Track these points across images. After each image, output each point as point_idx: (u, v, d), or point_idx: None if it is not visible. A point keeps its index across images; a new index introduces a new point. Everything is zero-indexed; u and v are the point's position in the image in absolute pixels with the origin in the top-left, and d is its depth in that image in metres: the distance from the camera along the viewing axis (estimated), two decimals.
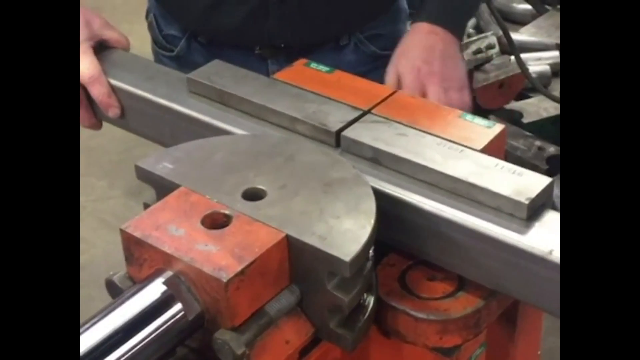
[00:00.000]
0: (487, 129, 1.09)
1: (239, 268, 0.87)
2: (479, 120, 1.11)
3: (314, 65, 1.24)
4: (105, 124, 1.35)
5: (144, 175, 1.01)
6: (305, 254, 0.90)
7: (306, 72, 1.23)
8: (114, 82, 1.27)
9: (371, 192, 0.97)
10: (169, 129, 1.22)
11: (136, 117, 1.28)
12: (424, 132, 1.08)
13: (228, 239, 0.90)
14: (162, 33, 1.61)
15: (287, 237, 0.91)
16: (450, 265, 1.02)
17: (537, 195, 0.97)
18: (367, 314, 0.96)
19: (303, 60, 1.26)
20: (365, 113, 1.12)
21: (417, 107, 1.15)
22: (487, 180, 0.99)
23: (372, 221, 0.92)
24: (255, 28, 1.49)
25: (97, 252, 3.07)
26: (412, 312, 1.00)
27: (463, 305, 1.01)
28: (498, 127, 1.10)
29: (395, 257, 1.07)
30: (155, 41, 1.64)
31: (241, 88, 1.17)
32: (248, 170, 1.00)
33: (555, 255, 0.92)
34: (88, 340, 0.85)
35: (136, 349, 0.86)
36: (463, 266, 1.01)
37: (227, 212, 0.94)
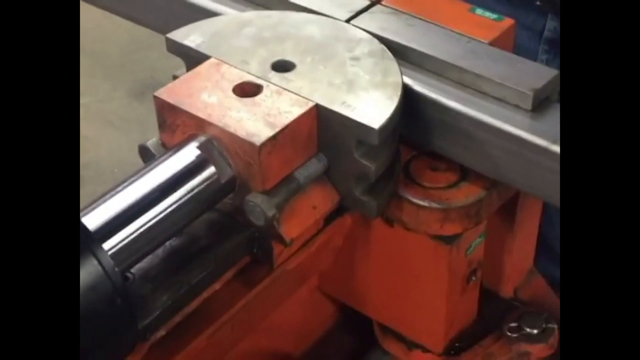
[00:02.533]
0: (497, 23, 1.09)
1: (272, 133, 0.90)
2: (489, 14, 1.10)
3: None
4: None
5: (175, 48, 1.02)
6: (334, 122, 0.93)
7: None
8: None
9: (397, 66, 0.99)
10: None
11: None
12: (433, 23, 1.08)
13: (260, 107, 0.93)
14: None
15: (317, 106, 0.93)
16: (454, 154, 1.03)
17: (542, 87, 0.97)
18: (391, 182, 0.99)
19: None
20: (374, 4, 1.11)
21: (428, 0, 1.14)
22: (493, 72, 0.99)
23: (399, 92, 0.95)
24: None
25: (102, 150, 3.10)
26: (415, 200, 1.02)
27: (465, 194, 1.03)
28: (507, 22, 1.09)
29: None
30: None
31: None
32: (277, 43, 1.02)
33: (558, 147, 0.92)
34: (123, 200, 0.88)
35: (171, 208, 0.90)
36: (467, 156, 1.02)
37: (257, 82, 0.96)
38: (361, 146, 0.94)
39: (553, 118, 0.96)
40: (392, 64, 0.99)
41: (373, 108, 0.93)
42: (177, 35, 1.03)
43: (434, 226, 1.04)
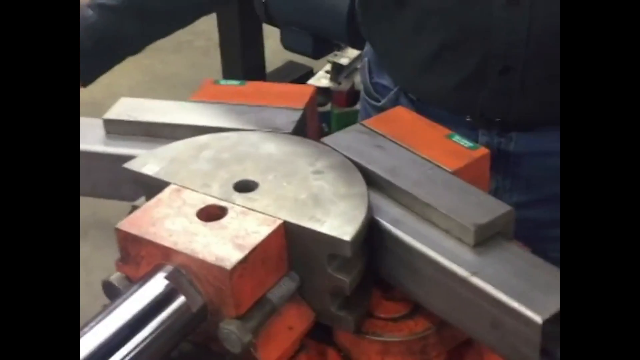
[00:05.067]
0: (469, 151, 1.05)
1: (242, 255, 0.87)
2: (465, 142, 1.07)
3: (223, 82, 1.23)
4: None
5: (132, 177, 1.00)
6: (304, 238, 0.91)
7: (219, 89, 1.21)
8: None
9: (360, 176, 0.99)
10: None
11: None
12: (405, 147, 1.05)
13: (226, 230, 0.91)
14: (372, 80, 1.53)
15: (285, 223, 0.92)
16: (399, 285, 0.97)
17: (488, 223, 0.92)
18: (365, 295, 0.97)
19: (210, 79, 1.24)
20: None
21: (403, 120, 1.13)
22: (443, 202, 0.95)
23: (366, 202, 0.94)
24: (468, 96, 1.34)
25: None
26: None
27: (410, 328, 0.97)
28: (480, 151, 1.06)
29: None
30: (364, 86, 1.56)
31: (165, 116, 1.16)
32: (237, 164, 1.00)
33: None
34: (92, 340, 0.84)
35: (142, 345, 0.85)
36: (410, 288, 0.95)
37: (221, 204, 0.94)
38: (333, 260, 0.92)
39: (498, 256, 0.91)
40: (355, 174, 0.99)
41: (342, 220, 0.91)
42: (134, 164, 1.01)
43: (373, 358, 0.97)
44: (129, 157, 1.03)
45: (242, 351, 0.87)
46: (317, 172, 0.99)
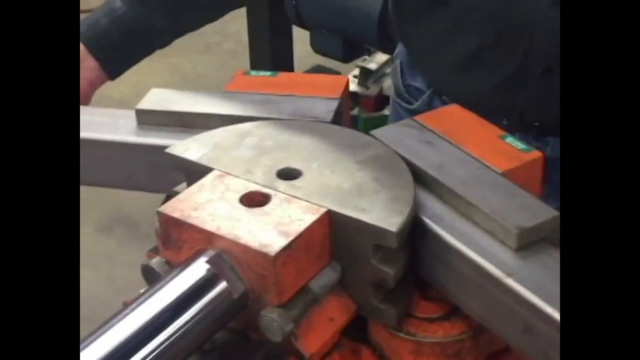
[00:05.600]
0: (521, 153, 1.02)
1: (286, 242, 0.85)
2: (518, 144, 1.03)
3: (254, 72, 1.21)
4: None
5: (174, 162, 0.99)
6: (348, 228, 0.89)
7: (251, 80, 1.19)
8: None
9: (407, 167, 0.97)
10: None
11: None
12: (455, 145, 1.03)
13: (269, 217, 0.89)
14: (404, 82, 1.50)
15: (329, 212, 0.90)
16: (438, 285, 0.94)
17: (533, 227, 0.89)
18: (407, 289, 0.95)
19: (242, 70, 1.22)
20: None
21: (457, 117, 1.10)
22: (487, 202, 0.92)
23: (412, 193, 0.92)
24: (506, 98, 1.30)
25: None
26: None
27: (445, 330, 0.94)
28: (533, 154, 1.02)
29: None
30: (395, 89, 1.53)
31: (199, 106, 1.15)
32: (279, 152, 0.99)
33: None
34: (131, 324, 0.82)
35: (182, 330, 0.84)
36: (449, 289, 0.93)
37: (265, 191, 0.93)
38: (378, 251, 0.90)
39: (539, 261, 0.87)
40: (401, 165, 0.97)
41: (388, 211, 0.89)
42: (176, 149, 1.00)
43: (406, 358, 0.94)
44: (163, 147, 1.02)
45: (282, 340, 0.86)
46: (361, 162, 0.97)
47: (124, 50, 1.40)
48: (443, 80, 1.42)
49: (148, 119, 1.16)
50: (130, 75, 1.52)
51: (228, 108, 1.13)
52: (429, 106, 1.44)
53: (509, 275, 0.86)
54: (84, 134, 1.10)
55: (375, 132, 1.04)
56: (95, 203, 3.47)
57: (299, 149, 1.00)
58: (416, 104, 1.48)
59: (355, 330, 0.96)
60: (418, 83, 1.48)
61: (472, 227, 0.93)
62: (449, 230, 0.92)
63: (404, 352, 0.95)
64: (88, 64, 1.39)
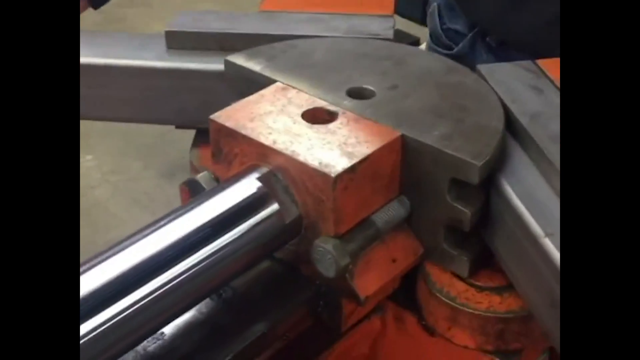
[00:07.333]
0: None
1: (349, 164, 0.74)
2: None
3: None
4: None
5: (234, 71, 0.89)
6: (424, 157, 0.78)
7: None
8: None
9: (496, 97, 0.84)
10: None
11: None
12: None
13: (334, 135, 0.78)
14: (443, 26, 1.39)
15: (403, 137, 0.78)
16: (501, 260, 0.82)
17: None
18: (480, 240, 0.83)
19: None
20: None
21: None
22: None
23: (502, 126, 0.80)
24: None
25: (127, 229, 2.97)
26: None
27: (491, 303, 0.81)
28: None
29: None
30: (431, 34, 1.42)
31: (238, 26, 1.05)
32: (352, 70, 0.88)
33: None
34: (170, 234, 0.72)
35: (224, 250, 0.73)
36: (494, 243, 0.81)
37: (331, 108, 0.82)
38: (455, 187, 0.78)
39: None
40: (491, 96, 0.84)
41: (472, 142, 0.77)
42: (238, 58, 0.89)
43: (441, 323, 0.83)
44: (199, 73, 0.94)
45: (336, 276, 0.75)
46: (445, 86, 0.85)
47: None
48: (490, 19, 1.29)
49: (180, 42, 1.04)
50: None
51: (274, 27, 1.02)
52: (470, 50, 1.32)
53: (549, 235, 0.73)
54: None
55: (481, 66, 0.91)
56: (160, 149, 3.43)
57: (375, 68, 0.88)
58: (457, 49, 1.35)
59: (402, 294, 0.85)
60: (459, 26, 1.36)
61: (543, 184, 0.79)
62: (515, 182, 0.79)
63: (439, 316, 0.82)
64: None
